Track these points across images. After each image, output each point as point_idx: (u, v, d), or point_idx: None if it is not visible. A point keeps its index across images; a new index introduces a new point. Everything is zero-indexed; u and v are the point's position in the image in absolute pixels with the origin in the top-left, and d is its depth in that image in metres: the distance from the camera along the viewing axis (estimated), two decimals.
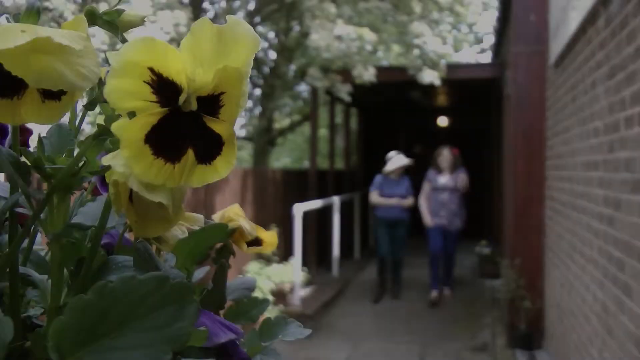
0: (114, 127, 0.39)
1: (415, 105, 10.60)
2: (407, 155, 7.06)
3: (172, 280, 0.39)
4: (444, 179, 6.68)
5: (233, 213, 0.64)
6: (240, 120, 10.65)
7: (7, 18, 0.44)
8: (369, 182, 7.16)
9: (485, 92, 8.91)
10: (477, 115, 10.95)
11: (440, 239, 6.70)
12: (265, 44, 9.57)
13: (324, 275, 7.74)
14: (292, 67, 9.12)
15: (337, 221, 7.72)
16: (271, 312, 4.91)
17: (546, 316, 4.81)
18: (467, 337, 5.56)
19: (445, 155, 6.76)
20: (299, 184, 8.18)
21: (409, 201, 6.63)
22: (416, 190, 7.04)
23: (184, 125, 0.41)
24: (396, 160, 6.65)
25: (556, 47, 4.28)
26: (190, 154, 0.42)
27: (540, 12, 4.99)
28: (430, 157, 7.04)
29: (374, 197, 6.64)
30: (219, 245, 0.61)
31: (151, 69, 0.39)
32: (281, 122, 12.61)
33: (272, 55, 9.77)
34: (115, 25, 0.52)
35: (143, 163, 0.40)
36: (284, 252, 6.93)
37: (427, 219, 6.73)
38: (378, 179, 6.70)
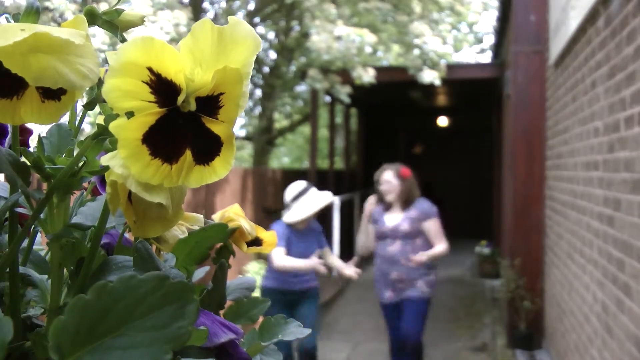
0: (112, 126, 0.39)
1: (415, 105, 10.60)
2: (407, 156, 6.68)
3: (172, 280, 0.39)
4: (392, 220, 3.95)
5: (233, 213, 0.64)
6: (240, 120, 10.66)
7: (7, 18, 0.44)
8: (368, 182, 7.12)
9: (485, 92, 8.92)
10: (477, 115, 10.95)
11: (395, 319, 4.04)
12: (266, 44, 9.58)
13: (324, 275, 7.74)
14: (292, 67, 9.13)
15: (337, 221, 7.72)
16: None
17: (546, 316, 4.81)
18: (467, 337, 5.56)
19: (387, 180, 3.95)
20: None
21: (319, 265, 3.79)
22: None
23: (182, 125, 0.41)
24: (306, 204, 3.79)
25: (556, 47, 4.28)
26: (188, 154, 0.42)
27: (540, 12, 4.99)
28: (430, 158, 6.69)
29: (280, 258, 3.69)
30: (219, 245, 0.61)
31: (150, 69, 0.39)
32: (281, 122, 12.61)
33: (272, 55, 9.78)
34: (115, 25, 0.52)
35: (140, 163, 0.40)
36: None
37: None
38: (281, 228, 3.79)
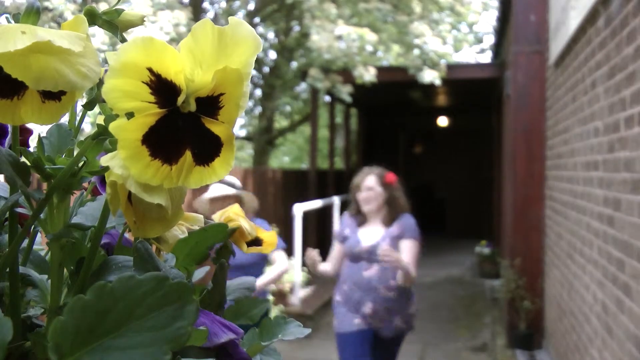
0: (112, 127, 0.39)
1: (415, 105, 10.61)
2: (407, 156, 6.66)
3: (171, 280, 0.39)
4: (368, 238, 3.18)
5: (233, 213, 0.64)
6: (240, 120, 10.66)
7: (7, 18, 0.44)
8: None
9: (485, 92, 8.92)
10: (477, 115, 10.96)
11: (362, 348, 3.17)
12: (266, 44, 9.59)
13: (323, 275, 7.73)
14: (292, 67, 9.14)
15: (337, 221, 7.72)
16: (271, 312, 4.91)
17: (546, 316, 4.81)
18: (467, 337, 5.56)
19: (370, 187, 3.23)
20: (299, 184, 8.19)
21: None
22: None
23: (182, 126, 0.41)
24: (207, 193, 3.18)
25: (556, 47, 4.28)
26: (187, 155, 0.41)
27: (540, 12, 4.99)
28: (430, 158, 6.61)
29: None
30: (219, 245, 0.61)
31: (150, 70, 0.39)
32: (281, 122, 12.61)
33: (272, 55, 9.78)
34: (115, 25, 0.51)
35: (140, 164, 0.40)
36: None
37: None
38: None
